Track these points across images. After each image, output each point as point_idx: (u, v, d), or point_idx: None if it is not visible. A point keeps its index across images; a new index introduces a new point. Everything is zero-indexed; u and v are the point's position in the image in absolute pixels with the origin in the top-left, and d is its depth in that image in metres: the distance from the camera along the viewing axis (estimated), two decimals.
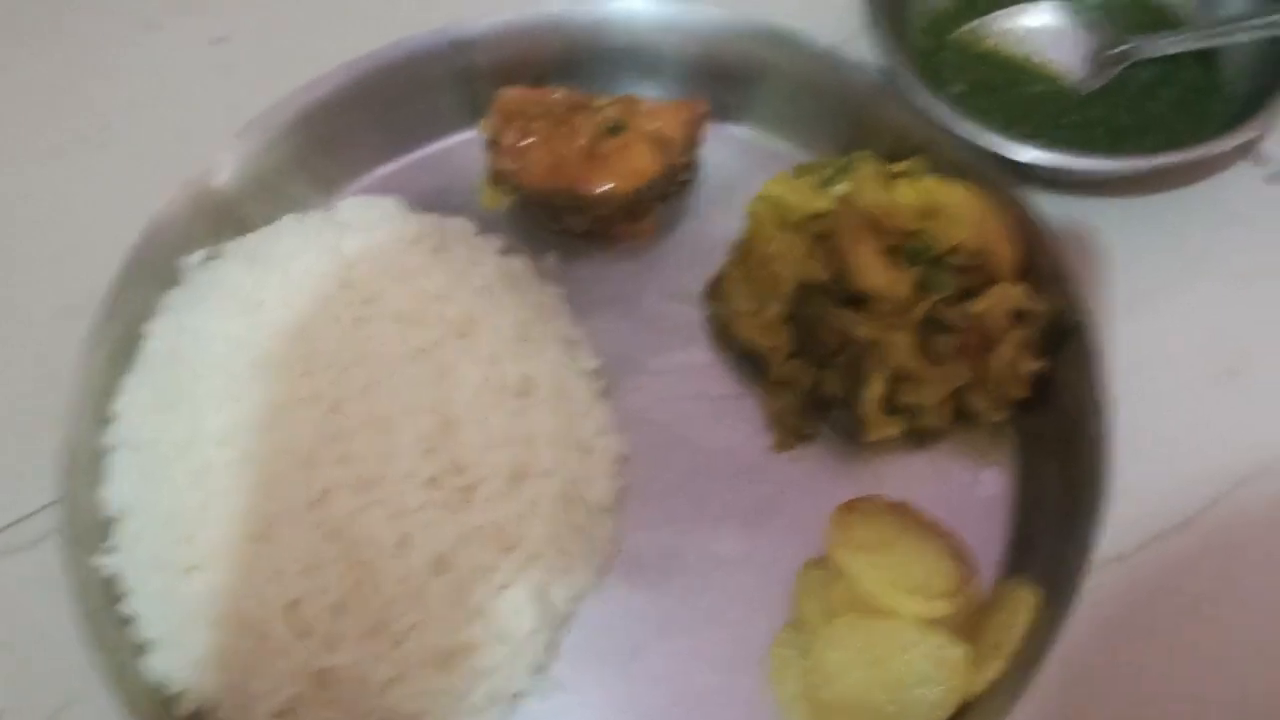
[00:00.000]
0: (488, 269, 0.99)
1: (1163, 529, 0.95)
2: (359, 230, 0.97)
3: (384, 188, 1.14)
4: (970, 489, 0.97)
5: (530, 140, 1.08)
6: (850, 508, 0.90)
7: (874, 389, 0.95)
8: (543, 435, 0.91)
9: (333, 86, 1.12)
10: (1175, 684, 0.90)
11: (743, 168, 1.09)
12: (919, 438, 0.99)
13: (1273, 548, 0.95)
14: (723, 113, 1.14)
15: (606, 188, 1.06)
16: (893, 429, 0.98)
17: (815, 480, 0.98)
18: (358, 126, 1.14)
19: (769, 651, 0.89)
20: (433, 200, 1.11)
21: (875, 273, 0.96)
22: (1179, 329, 1.04)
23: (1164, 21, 1.15)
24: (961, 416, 0.99)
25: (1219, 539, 0.95)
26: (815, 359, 0.98)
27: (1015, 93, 1.13)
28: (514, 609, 0.87)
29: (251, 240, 1.00)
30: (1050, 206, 1.05)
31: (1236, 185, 1.11)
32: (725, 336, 1.04)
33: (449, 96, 1.15)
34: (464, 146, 1.13)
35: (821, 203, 1.01)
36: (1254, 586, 0.93)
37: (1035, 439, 0.98)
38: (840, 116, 1.11)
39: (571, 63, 1.15)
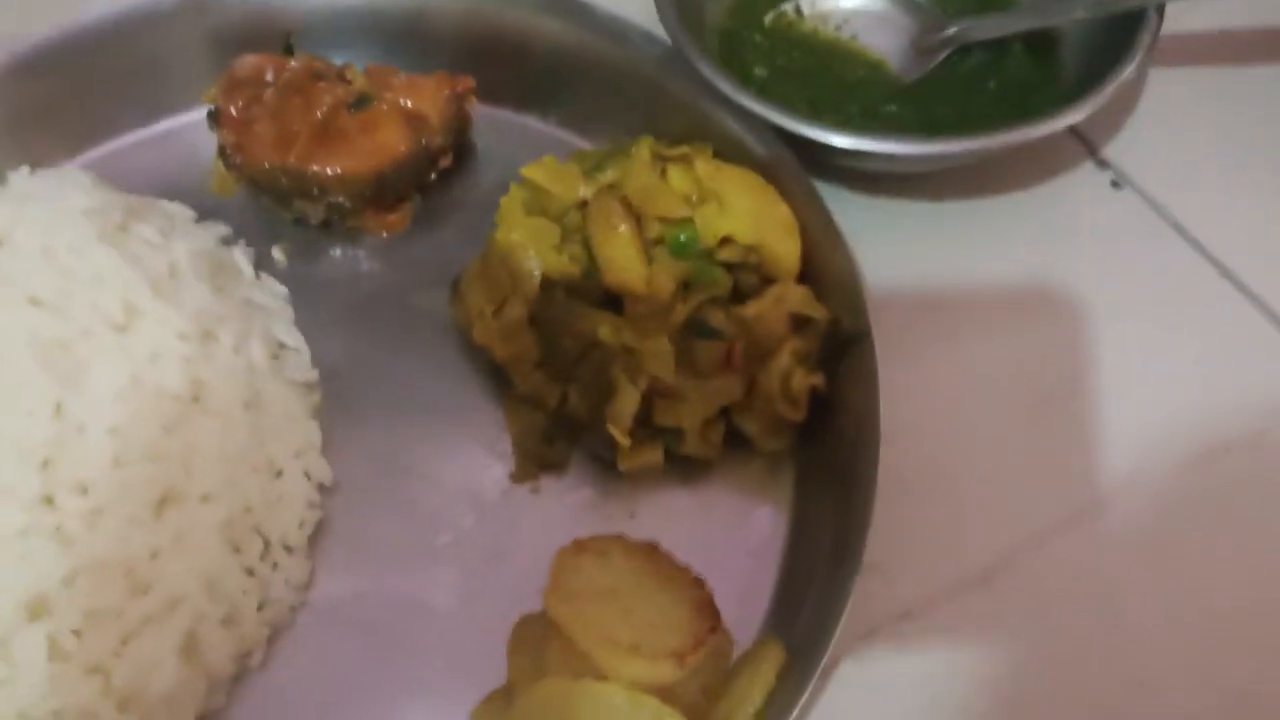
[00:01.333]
0: (177, 256, 0.82)
1: (941, 588, 0.79)
2: (14, 201, 0.80)
3: (104, 168, 0.96)
4: (739, 531, 0.81)
5: (255, 111, 0.91)
6: (580, 548, 0.74)
7: (623, 405, 0.79)
8: (206, 453, 0.74)
9: (41, 46, 0.95)
10: None
11: (519, 157, 0.91)
12: (685, 470, 0.83)
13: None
14: (497, 94, 0.99)
15: (339, 168, 0.90)
16: (650, 456, 0.82)
17: (557, 519, 0.81)
18: (73, 96, 0.97)
19: None
20: (159, 184, 0.95)
21: (629, 265, 0.80)
22: (991, 351, 0.88)
23: (989, 3, 1.01)
24: (735, 445, 0.82)
25: (1014, 601, 0.79)
26: (561, 372, 0.82)
27: (828, 78, 0.99)
28: (141, 668, 0.68)
29: None
30: (858, 210, 0.90)
31: (1077, 191, 0.96)
32: (472, 346, 0.87)
33: (185, 66, 0.99)
34: (202, 125, 0.95)
35: (586, 190, 0.86)
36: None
37: (813, 473, 0.81)
38: (626, 98, 0.96)
39: (324, 30, 0.99)
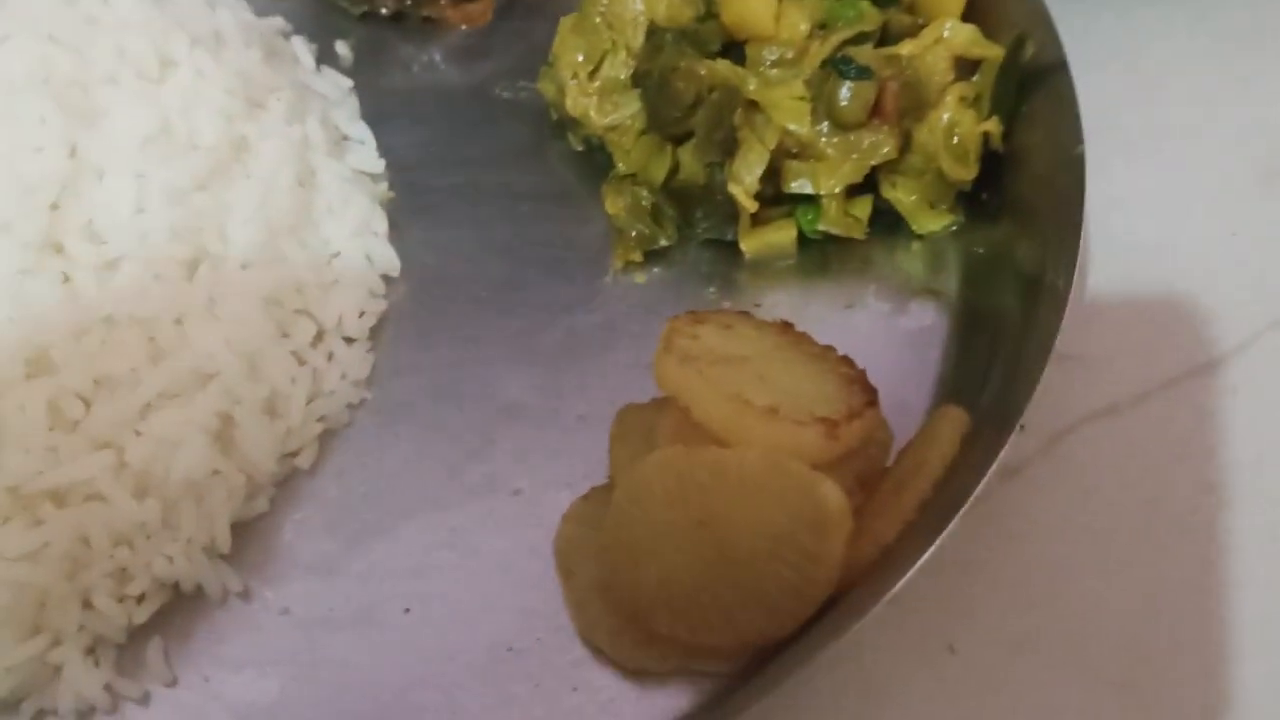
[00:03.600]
0: (223, 24, 0.70)
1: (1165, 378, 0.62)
2: None
3: None
4: (893, 320, 0.65)
5: None
6: (697, 318, 0.59)
7: (748, 163, 0.64)
8: (245, 214, 0.61)
9: None
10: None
11: None
12: (822, 256, 0.68)
13: None
14: None
15: None
16: (780, 234, 0.67)
17: (666, 312, 0.65)
18: None
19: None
20: None
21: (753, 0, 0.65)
22: (1217, 119, 0.71)
23: None
24: (886, 226, 0.67)
25: (1239, 396, 0.62)
26: (671, 133, 0.67)
27: None
28: (161, 446, 0.55)
29: None
30: None
31: None
32: (566, 128, 0.73)
33: None
34: None
35: None
36: None
37: (986, 258, 0.66)
38: None
39: None
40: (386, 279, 0.69)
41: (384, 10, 0.82)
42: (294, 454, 0.62)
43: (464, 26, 0.83)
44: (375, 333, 0.67)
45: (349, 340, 0.65)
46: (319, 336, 0.64)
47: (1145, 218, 0.70)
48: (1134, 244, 0.69)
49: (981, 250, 0.67)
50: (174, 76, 0.65)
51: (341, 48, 0.81)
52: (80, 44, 0.64)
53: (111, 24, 0.66)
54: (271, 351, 0.61)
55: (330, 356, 0.64)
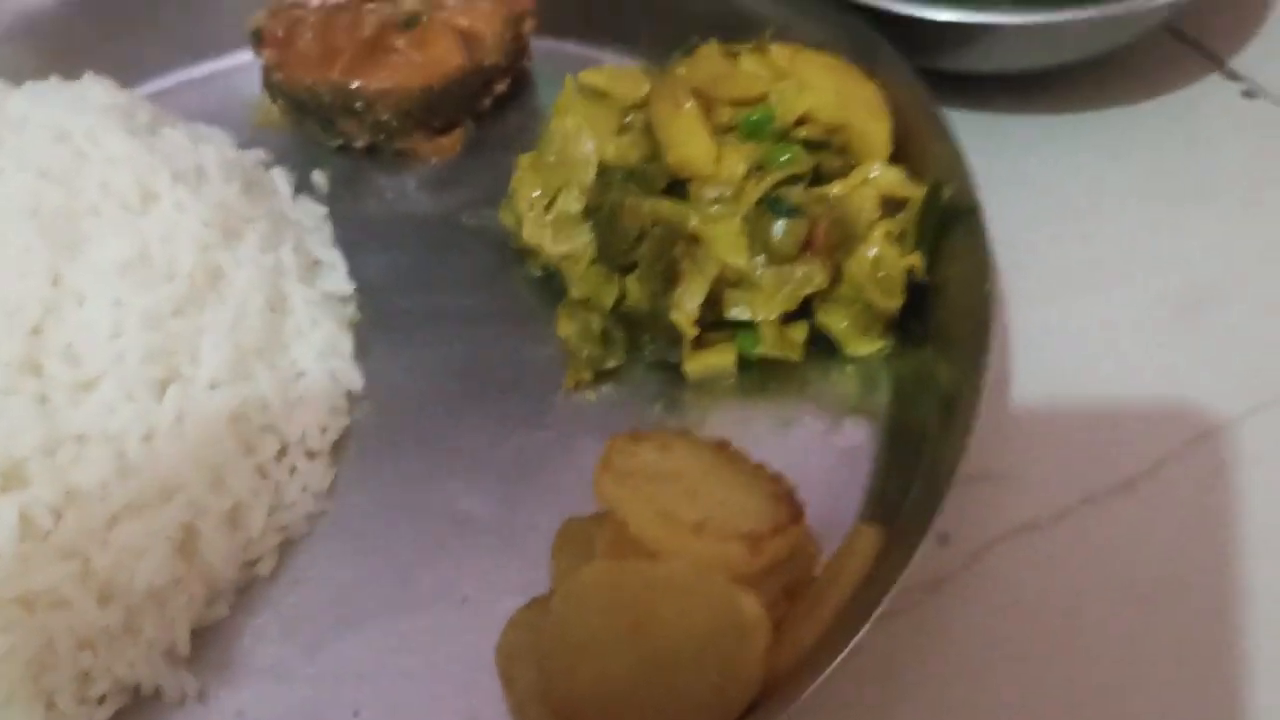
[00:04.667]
0: (206, 160, 0.75)
1: (1085, 494, 0.66)
2: (39, 93, 0.74)
3: None
4: (826, 439, 0.69)
5: (299, 29, 0.85)
6: (637, 438, 0.63)
7: (689, 293, 0.69)
8: (217, 338, 0.66)
9: None
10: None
11: None
12: (762, 378, 0.72)
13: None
14: (559, 26, 0.92)
15: (385, 82, 0.83)
16: (720, 358, 0.71)
17: (611, 426, 0.70)
18: (117, 37, 0.93)
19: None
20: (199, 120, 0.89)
21: (694, 142, 0.71)
22: (1126, 253, 0.77)
23: None
24: (820, 351, 0.71)
25: (1158, 511, 0.66)
26: (619, 263, 0.72)
27: None
28: (126, 555, 0.59)
29: None
30: (962, 123, 0.81)
31: (1206, 102, 0.86)
32: (525, 255, 0.78)
33: (234, 5, 0.93)
34: (248, 68, 0.89)
35: (648, 89, 0.77)
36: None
37: (913, 379, 0.70)
38: (697, 17, 0.87)
39: None
40: (350, 396, 0.73)
41: (358, 143, 0.87)
42: (254, 562, 0.65)
43: (435, 159, 0.88)
44: (337, 447, 0.71)
45: (311, 454, 0.69)
46: (283, 451, 0.68)
47: (1069, 342, 0.74)
48: (1058, 367, 0.73)
49: (908, 373, 0.71)
50: (155, 208, 0.70)
51: (318, 177, 0.86)
52: (69, 178, 0.69)
53: (99, 160, 0.71)
54: (236, 466, 0.65)
55: (293, 470, 0.68)
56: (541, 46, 0.92)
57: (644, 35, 0.92)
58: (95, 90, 0.77)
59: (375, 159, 0.88)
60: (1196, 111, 0.86)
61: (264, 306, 0.71)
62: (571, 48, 0.94)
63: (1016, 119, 0.86)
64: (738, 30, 0.82)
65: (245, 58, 0.92)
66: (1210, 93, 0.87)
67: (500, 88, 0.89)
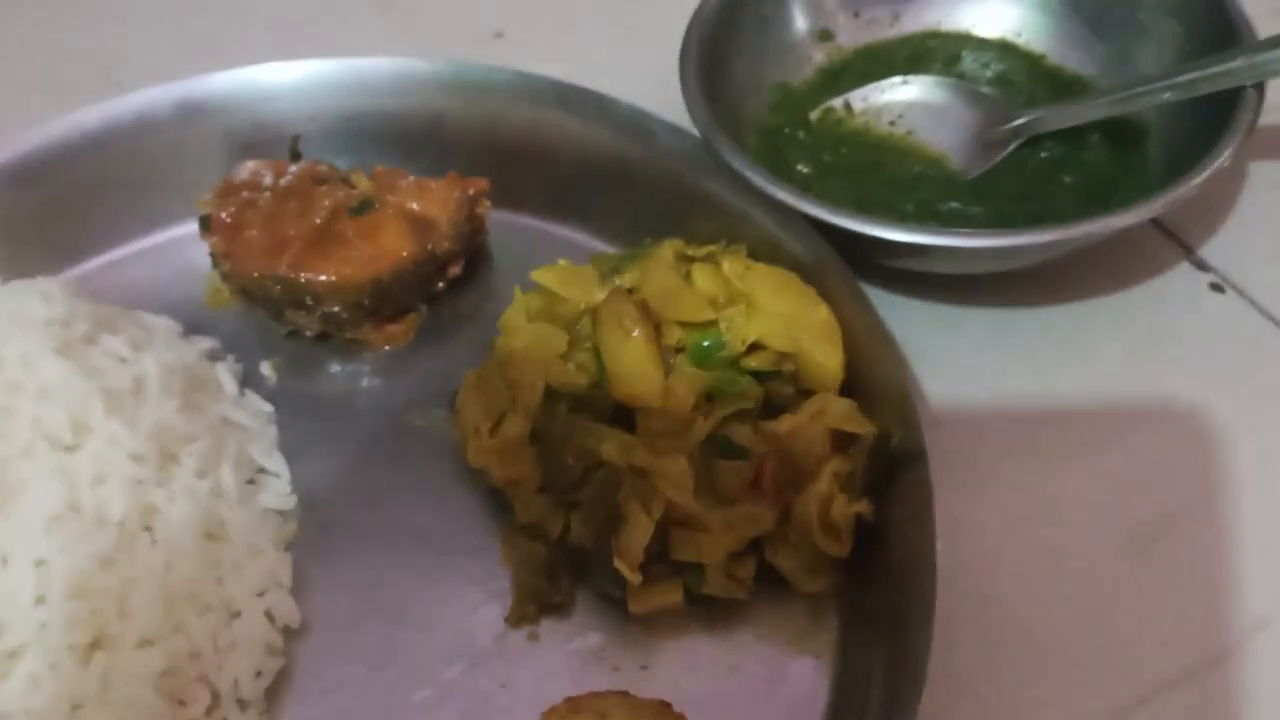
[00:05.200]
0: (145, 370, 0.73)
1: None
2: None
3: (94, 282, 0.89)
4: (772, 687, 0.67)
5: (248, 216, 0.84)
6: (574, 707, 0.61)
7: (633, 535, 0.68)
8: (147, 591, 0.64)
9: (28, 154, 0.89)
10: None
11: (536, 265, 0.81)
12: (708, 613, 0.70)
13: None
14: (514, 198, 0.91)
15: (333, 275, 0.81)
16: (667, 597, 0.70)
17: (557, 671, 0.70)
18: (63, 207, 0.91)
19: None
20: (152, 298, 0.88)
21: (641, 374, 0.69)
22: (1077, 475, 0.75)
23: (1073, 93, 0.91)
24: (768, 584, 0.70)
25: None
26: (565, 496, 0.70)
27: (880, 175, 0.88)
28: None
29: None
30: (913, 316, 0.80)
31: (1173, 294, 0.84)
32: (470, 468, 0.77)
33: (184, 173, 0.92)
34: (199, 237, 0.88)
35: (601, 295, 0.75)
36: None
37: (860, 619, 0.68)
38: (652, 199, 0.87)
39: (332, 134, 0.92)
40: (286, 632, 0.71)
41: (308, 333, 0.86)
42: None
43: (386, 347, 0.87)
44: (271, 691, 0.69)
45: (243, 704, 0.67)
46: (214, 703, 0.66)
47: (1016, 576, 0.72)
48: (996, 607, 0.71)
49: (857, 613, 0.70)
50: (87, 444, 0.68)
51: (266, 369, 0.85)
52: (1, 417, 0.67)
53: (32, 392, 0.69)
54: None
55: None
56: (497, 218, 0.90)
57: (599, 213, 0.90)
58: (33, 302, 0.75)
59: (326, 345, 0.86)
60: (1163, 303, 0.84)
61: (200, 538, 0.69)
62: (527, 220, 0.92)
63: (966, 310, 0.83)
64: (686, 215, 0.81)
65: (195, 227, 0.89)
66: (1177, 283, 0.85)
67: (454, 271, 0.87)
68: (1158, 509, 0.74)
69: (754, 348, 0.71)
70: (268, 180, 0.87)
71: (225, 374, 0.82)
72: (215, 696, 0.67)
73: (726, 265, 0.75)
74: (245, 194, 0.87)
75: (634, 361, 0.70)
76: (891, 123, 0.93)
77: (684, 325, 0.72)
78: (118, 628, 0.64)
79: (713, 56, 0.87)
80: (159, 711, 0.63)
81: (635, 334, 0.71)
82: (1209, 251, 0.86)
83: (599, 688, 0.65)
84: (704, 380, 0.70)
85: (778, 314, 0.72)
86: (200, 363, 0.82)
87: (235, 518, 0.72)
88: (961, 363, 0.80)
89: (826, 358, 0.71)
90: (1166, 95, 0.82)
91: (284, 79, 0.92)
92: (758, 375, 0.71)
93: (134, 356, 0.76)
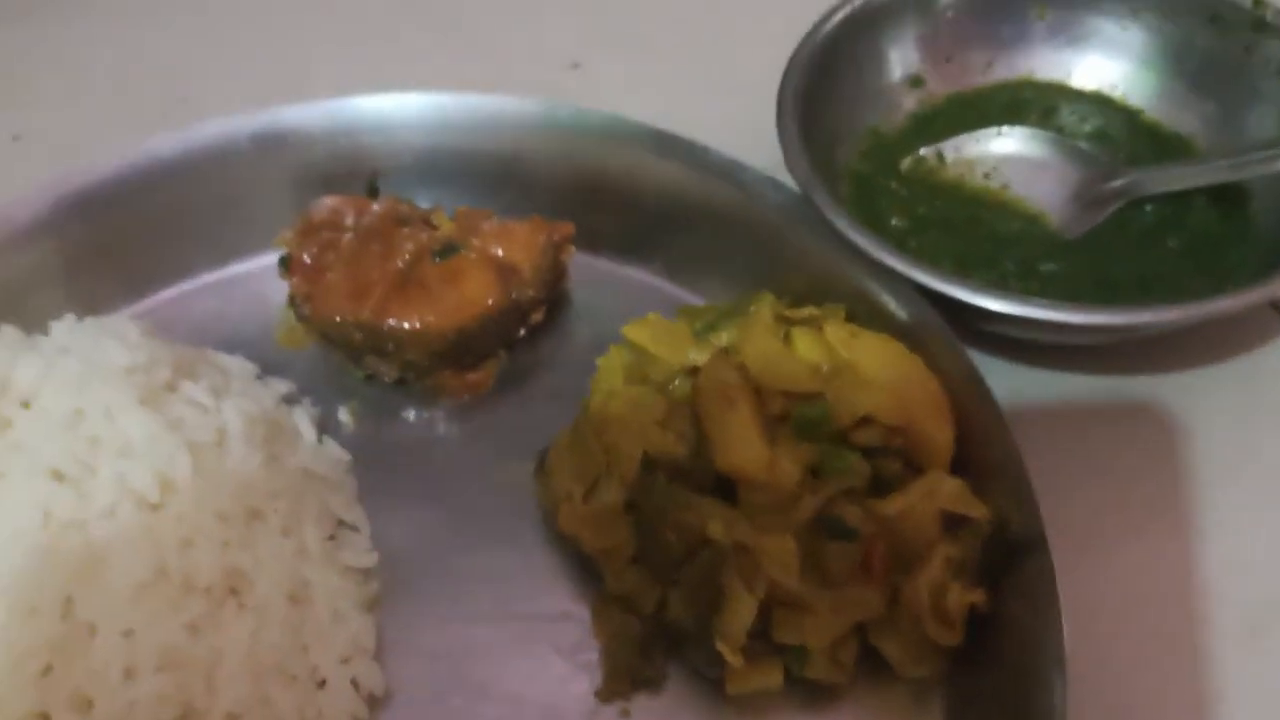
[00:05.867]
0: (228, 419, 0.71)
1: None
2: (48, 356, 0.70)
3: (166, 313, 0.87)
4: None
5: (329, 258, 0.81)
6: None
7: (736, 617, 0.65)
8: (235, 661, 0.62)
9: (104, 183, 0.87)
10: None
11: (619, 312, 0.80)
12: (809, 696, 0.68)
13: None
14: (598, 242, 0.89)
15: (417, 323, 0.79)
16: (767, 679, 0.67)
17: None
18: (137, 237, 0.89)
19: None
20: (224, 332, 0.86)
21: (746, 447, 0.67)
22: (1197, 553, 0.72)
23: (1173, 151, 0.88)
24: (872, 667, 0.67)
25: None
26: (662, 571, 0.68)
27: (978, 231, 0.86)
28: None
29: None
30: (1017, 383, 0.77)
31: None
32: (558, 532, 0.74)
33: (261, 206, 0.90)
34: (275, 271, 0.85)
35: (697, 355, 0.73)
36: None
37: (970, 706, 0.66)
38: (744, 250, 0.84)
39: (412, 170, 0.90)
40: (370, 700, 0.69)
41: (387, 379, 0.83)
42: None
43: (465, 396, 0.84)
44: None
45: None
46: None
47: (1124, 669, 0.70)
48: (1115, 701, 0.69)
49: (966, 700, 0.67)
50: (173, 503, 0.66)
51: (343, 414, 0.83)
52: (82, 477, 0.65)
53: (113, 449, 0.67)
54: None
55: None
56: (579, 261, 0.88)
57: (681, 259, 0.88)
58: (113, 347, 0.72)
59: (404, 391, 0.84)
60: (1272, 376, 0.81)
61: (285, 606, 0.67)
62: (605, 263, 0.90)
63: (1069, 378, 0.81)
64: (775, 267, 0.79)
65: (270, 260, 0.87)
66: None
67: (536, 318, 0.85)
68: (1269, 595, 0.71)
69: (862, 421, 0.69)
70: (349, 219, 0.85)
71: (303, 420, 0.80)
72: None
73: (829, 330, 0.73)
74: (325, 233, 0.84)
75: (738, 434, 0.68)
76: (986, 175, 0.90)
77: (788, 395, 0.70)
78: (205, 702, 0.62)
79: (809, 104, 0.84)
80: None
81: (739, 406, 0.68)
82: None
83: None
84: (810, 453, 0.68)
85: (886, 385, 0.70)
86: (278, 408, 0.80)
87: (319, 578, 0.70)
88: (1069, 434, 0.78)
89: (937, 433, 0.69)
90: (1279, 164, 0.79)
91: (365, 112, 0.89)
92: (865, 450, 0.68)
93: (215, 405, 0.74)
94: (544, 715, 0.69)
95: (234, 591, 0.66)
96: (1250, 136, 0.86)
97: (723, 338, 0.75)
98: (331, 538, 0.75)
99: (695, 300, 0.87)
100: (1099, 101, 0.93)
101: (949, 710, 0.68)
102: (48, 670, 0.60)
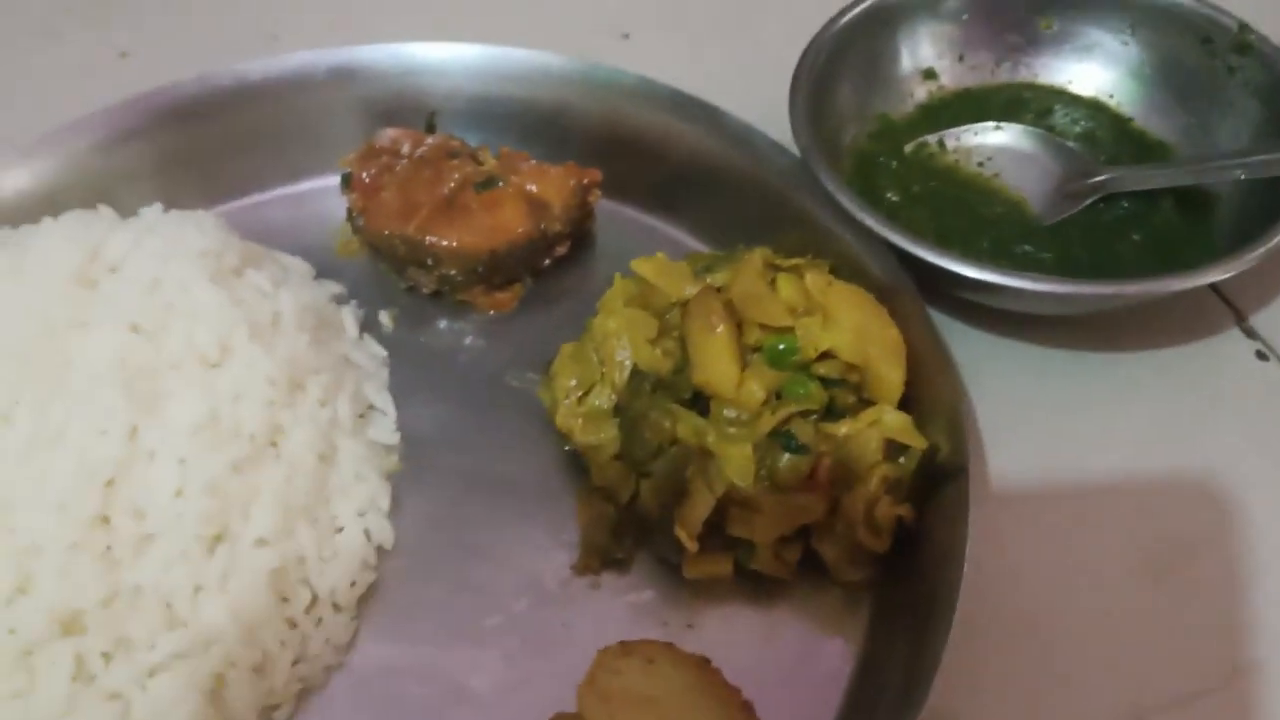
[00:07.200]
0: (283, 306, 0.83)
1: None
2: (132, 232, 0.82)
3: (237, 219, 0.99)
4: (803, 660, 0.75)
5: (385, 179, 0.93)
6: (626, 650, 0.70)
7: (695, 509, 0.76)
8: (269, 498, 0.73)
9: (196, 97, 0.99)
10: None
11: (636, 253, 0.89)
12: (754, 588, 0.78)
13: None
14: (624, 190, 0.99)
15: (454, 242, 0.90)
16: (718, 567, 0.78)
17: (612, 618, 0.78)
18: (219, 148, 1.01)
19: None
20: (288, 240, 0.98)
21: (720, 367, 0.77)
22: (1113, 512, 0.82)
23: (1153, 156, 0.97)
24: (811, 570, 0.78)
25: None
26: (638, 466, 0.79)
27: (961, 211, 0.95)
28: (163, 703, 0.67)
29: (23, 230, 0.85)
30: (976, 344, 0.87)
31: (1219, 356, 0.90)
32: (555, 430, 0.85)
33: (331, 131, 1.02)
34: (338, 191, 0.97)
35: (692, 290, 0.84)
36: None
37: (890, 610, 0.76)
38: (749, 207, 0.95)
39: (467, 112, 1.01)
40: (380, 551, 0.80)
41: (425, 290, 0.95)
42: (274, 707, 0.73)
43: (491, 312, 0.95)
44: (361, 600, 0.78)
45: (337, 608, 0.76)
46: (313, 603, 0.75)
47: (1039, 581, 0.79)
48: (1018, 616, 0.78)
49: (887, 604, 0.77)
50: (230, 364, 0.78)
51: (384, 317, 0.94)
52: (156, 332, 0.77)
53: (184, 313, 0.78)
54: (269, 619, 0.72)
55: (319, 622, 0.75)
56: (605, 206, 0.98)
57: (698, 214, 0.98)
58: (192, 233, 0.84)
59: (439, 303, 0.95)
60: (1209, 363, 0.90)
61: (315, 460, 0.78)
62: (631, 211, 1.00)
63: (1026, 347, 0.91)
64: (777, 226, 0.89)
65: (335, 180, 0.99)
66: (1225, 346, 0.91)
67: (561, 250, 0.96)
68: (1174, 543, 0.80)
69: (825, 356, 0.79)
70: (406, 148, 0.96)
71: (349, 317, 0.91)
72: (314, 598, 0.76)
73: (809, 278, 0.82)
74: (385, 158, 0.96)
75: (715, 354, 0.78)
76: (980, 164, 0.99)
77: (764, 328, 0.80)
78: (240, 526, 0.73)
79: (822, 83, 0.94)
80: (266, 603, 0.72)
81: (719, 330, 0.78)
82: (1259, 320, 0.92)
83: (649, 637, 0.74)
84: (776, 379, 0.78)
85: (850, 328, 0.79)
86: (328, 304, 0.91)
87: (346, 444, 0.82)
88: (1015, 394, 0.87)
89: (890, 372, 0.79)
90: (1239, 172, 0.88)
91: (429, 57, 1.00)
92: (825, 381, 0.78)
93: (274, 292, 0.85)
94: (526, 578, 0.79)
95: (273, 443, 0.77)
96: (1223, 148, 0.94)
97: (717, 278, 0.85)
98: (361, 416, 0.86)
99: (704, 249, 0.97)
100: (1093, 107, 1.02)
101: (875, 613, 0.78)
102: (111, 482, 0.71)
